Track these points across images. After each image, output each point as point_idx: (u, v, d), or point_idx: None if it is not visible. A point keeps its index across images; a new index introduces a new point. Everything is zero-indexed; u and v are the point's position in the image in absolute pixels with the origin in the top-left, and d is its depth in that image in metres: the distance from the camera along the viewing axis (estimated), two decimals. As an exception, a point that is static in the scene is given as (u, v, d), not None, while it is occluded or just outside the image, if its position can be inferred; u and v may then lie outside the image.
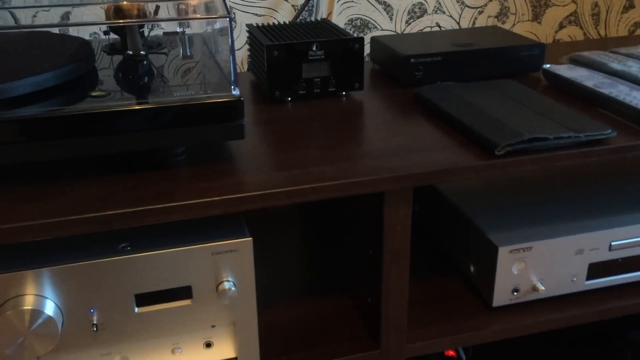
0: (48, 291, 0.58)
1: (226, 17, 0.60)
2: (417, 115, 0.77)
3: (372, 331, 0.73)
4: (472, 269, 0.79)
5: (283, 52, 0.79)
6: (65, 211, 0.55)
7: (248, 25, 0.91)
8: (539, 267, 0.75)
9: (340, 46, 0.81)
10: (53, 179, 0.61)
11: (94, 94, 0.61)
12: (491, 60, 0.88)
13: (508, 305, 0.77)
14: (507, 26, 1.16)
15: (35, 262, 0.58)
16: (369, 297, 0.73)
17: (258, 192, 0.58)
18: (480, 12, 1.13)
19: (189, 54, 0.78)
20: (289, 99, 0.82)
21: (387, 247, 0.66)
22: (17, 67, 0.64)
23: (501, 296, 0.75)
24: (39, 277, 0.57)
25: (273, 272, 0.69)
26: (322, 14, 1.06)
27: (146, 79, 0.67)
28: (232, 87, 0.61)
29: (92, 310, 0.60)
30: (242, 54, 1.05)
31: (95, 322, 0.60)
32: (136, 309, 0.61)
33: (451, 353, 0.99)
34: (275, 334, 0.73)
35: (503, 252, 0.73)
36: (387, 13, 1.09)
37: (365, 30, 1.09)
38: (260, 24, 0.91)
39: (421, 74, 0.86)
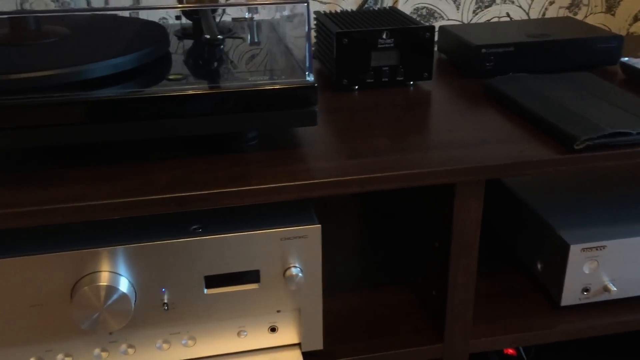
0: (122, 269, 0.59)
1: (304, 3, 0.59)
2: (488, 106, 0.76)
3: (435, 324, 0.72)
4: (539, 266, 0.77)
5: (353, 40, 0.78)
6: (142, 191, 0.56)
7: (316, 13, 0.90)
8: (611, 267, 0.72)
9: (411, 35, 0.79)
10: (130, 159, 0.62)
11: (171, 77, 0.62)
12: (566, 52, 0.85)
13: (576, 305, 0.75)
14: (579, 18, 1.12)
15: (110, 240, 0.59)
16: (433, 290, 0.72)
17: (331, 179, 0.57)
18: (551, 3, 1.10)
19: (257, 40, 0.78)
20: (356, 87, 0.81)
21: (456, 240, 0.65)
22: (95, 50, 0.65)
23: (570, 295, 0.73)
24: (114, 255, 0.58)
25: (336, 261, 0.69)
26: (389, 2, 1.04)
27: (220, 63, 0.68)
28: (307, 73, 0.60)
29: (163, 290, 0.61)
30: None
31: (165, 301, 0.61)
32: (205, 290, 0.62)
33: (511, 352, 0.97)
34: (337, 322, 0.72)
35: (575, 251, 0.71)
36: (454, 2, 1.07)
37: (431, 20, 1.07)
38: (327, 12, 0.90)
39: (492, 64, 0.84)
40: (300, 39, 0.68)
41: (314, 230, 0.62)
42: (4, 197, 0.54)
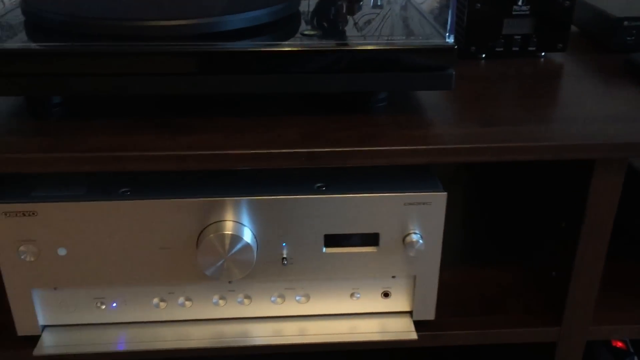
0: (246, 220, 0.60)
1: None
2: (628, 82, 0.71)
3: (551, 307, 0.69)
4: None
5: (486, 5, 0.75)
6: (272, 144, 0.56)
7: (443, -23, 0.87)
8: None
9: (548, 2, 0.75)
10: (259, 114, 0.62)
11: (306, 32, 0.62)
12: None
13: None
14: None
15: (237, 192, 0.60)
16: (553, 271, 0.69)
17: (466, 146, 0.56)
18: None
19: (386, 2, 0.77)
20: (483, 55, 0.78)
21: (589, 220, 0.61)
22: (232, 2, 0.66)
23: None
24: (239, 206, 0.59)
25: (449, 232, 0.67)
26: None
27: (354, 21, 0.66)
28: (447, 34, 0.58)
29: (283, 244, 0.62)
30: (427, 7, 1.02)
31: (285, 255, 0.62)
32: (324, 249, 0.62)
33: (620, 344, 0.92)
34: (448, 293, 0.71)
35: None
36: (589, -28, 1.00)
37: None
38: (455, -24, 0.87)
39: (634, 38, 0.78)
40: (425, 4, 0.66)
41: (439, 197, 0.60)
42: (141, 142, 0.56)
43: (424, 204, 0.61)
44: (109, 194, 0.60)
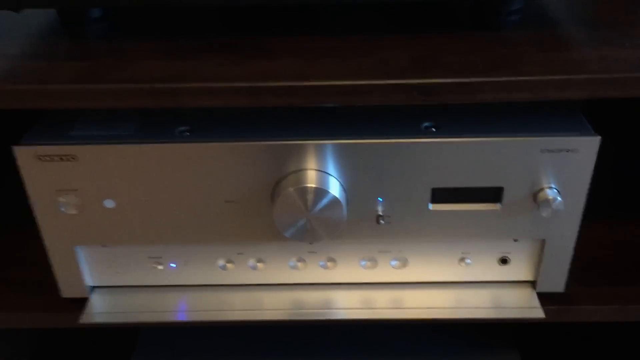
0: (333, 169, 0.47)
1: None
2: None
3: None
4: None
5: None
6: (375, 73, 0.42)
7: None
8: None
9: None
10: (356, 29, 0.48)
11: None
12: None
13: None
14: None
15: (322, 133, 0.47)
16: None
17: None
18: None
19: None
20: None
21: None
22: None
23: None
24: (325, 151, 0.47)
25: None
26: None
27: None
28: None
29: (379, 199, 0.49)
30: None
31: (380, 213, 0.49)
32: (430, 206, 0.49)
33: None
34: (579, 259, 0.56)
35: None
36: None
37: None
38: None
39: None
40: None
41: (590, 143, 0.46)
42: (202, 69, 0.43)
43: (567, 151, 0.46)
44: (163, 135, 0.48)
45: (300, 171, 0.47)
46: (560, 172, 0.47)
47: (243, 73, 0.42)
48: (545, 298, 0.53)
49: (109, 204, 0.49)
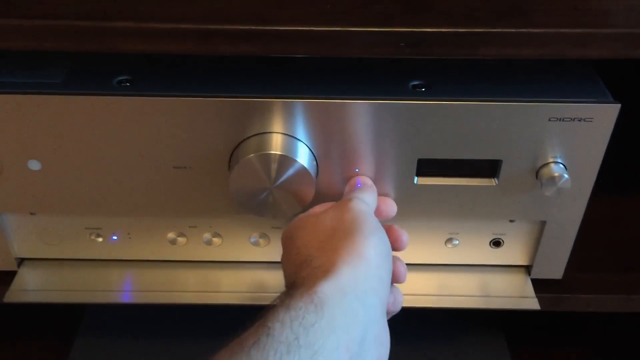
0: (301, 132, 0.40)
1: None
2: None
3: None
4: None
5: None
6: (354, 17, 0.34)
7: None
8: None
9: None
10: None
11: None
12: None
13: None
14: None
15: (288, 89, 0.39)
16: None
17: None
18: None
19: None
20: None
21: None
22: None
23: None
24: (292, 110, 0.39)
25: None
26: None
27: None
28: None
29: (357, 170, 0.42)
30: None
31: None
32: (416, 179, 0.42)
33: None
34: (577, 243, 0.50)
35: None
36: None
37: None
38: None
39: None
40: None
41: (608, 111, 0.38)
42: (135, 4, 0.35)
43: (580, 120, 0.39)
44: (98, 85, 0.40)
45: (263, 134, 0.40)
46: (569, 145, 0.40)
47: (190, 12, 0.34)
48: (540, 284, 0.47)
49: (34, 165, 0.41)
